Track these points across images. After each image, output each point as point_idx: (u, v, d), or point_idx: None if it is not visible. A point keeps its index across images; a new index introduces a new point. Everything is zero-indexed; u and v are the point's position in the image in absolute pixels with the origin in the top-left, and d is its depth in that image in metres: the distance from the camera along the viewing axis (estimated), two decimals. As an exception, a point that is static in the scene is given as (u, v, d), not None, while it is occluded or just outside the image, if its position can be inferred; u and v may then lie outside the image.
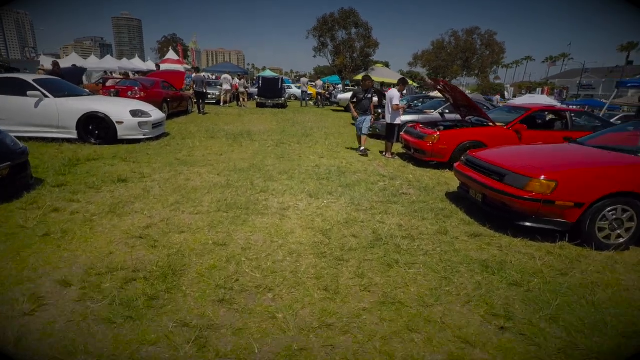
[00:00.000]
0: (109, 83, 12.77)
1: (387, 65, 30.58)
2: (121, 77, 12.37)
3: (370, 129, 10.98)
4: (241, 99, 19.37)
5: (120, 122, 7.49)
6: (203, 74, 27.33)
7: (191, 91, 14.94)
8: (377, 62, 27.48)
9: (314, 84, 24.79)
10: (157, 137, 8.37)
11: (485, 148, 6.84)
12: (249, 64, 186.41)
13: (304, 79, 22.34)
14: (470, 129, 7.19)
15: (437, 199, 5.06)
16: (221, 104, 18.54)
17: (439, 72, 36.40)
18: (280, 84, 19.60)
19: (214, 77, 26.33)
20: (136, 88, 10.91)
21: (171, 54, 37.54)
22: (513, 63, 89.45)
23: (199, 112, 14.47)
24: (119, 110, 7.59)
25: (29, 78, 7.44)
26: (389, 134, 8.05)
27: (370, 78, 8.37)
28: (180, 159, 6.48)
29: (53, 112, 7.27)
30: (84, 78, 17.55)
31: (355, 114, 8.08)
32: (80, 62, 30.37)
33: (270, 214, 4.05)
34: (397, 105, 7.76)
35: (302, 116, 16.12)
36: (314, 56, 27.12)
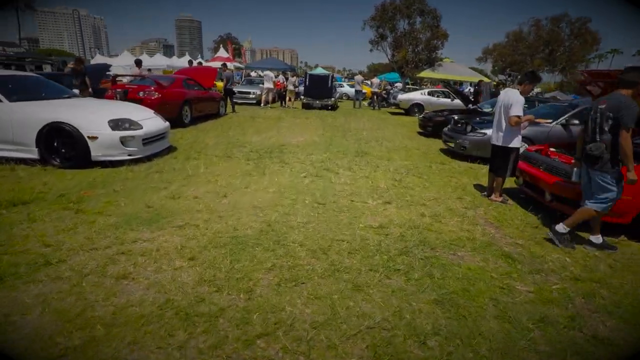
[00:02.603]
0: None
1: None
2: (134, 75, 10.34)
3: (452, 145, 7.85)
4: (287, 99, 16.96)
5: (93, 137, 5.18)
6: (253, 71, 25.55)
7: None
8: (443, 58, 23.56)
9: (369, 82, 21.73)
10: (153, 156, 5.99)
11: None
12: (301, 62, 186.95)
13: (358, 77, 19.30)
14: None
15: None
16: (262, 104, 16.23)
17: (514, 67, 31.34)
18: (329, 82, 16.83)
19: (254, 73, 24.24)
20: (151, 88, 8.75)
21: (221, 52, 36.79)
22: (595, 57, 78.59)
23: (232, 111, 13.41)
24: (92, 119, 5.28)
25: (-18, 75, 5.38)
26: (499, 162, 4.89)
27: None
28: (154, 207, 3.92)
29: (5, 121, 5.14)
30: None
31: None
32: (131, 60, 30.28)
33: None
34: (517, 116, 4.58)
35: (355, 121, 13.21)
36: (371, 50, 23.92)
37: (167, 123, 6.53)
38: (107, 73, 14.40)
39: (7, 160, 5.25)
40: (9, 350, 1.89)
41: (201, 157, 6.27)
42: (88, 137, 5.15)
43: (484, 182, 5.84)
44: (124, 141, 5.39)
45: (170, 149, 6.69)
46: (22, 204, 3.86)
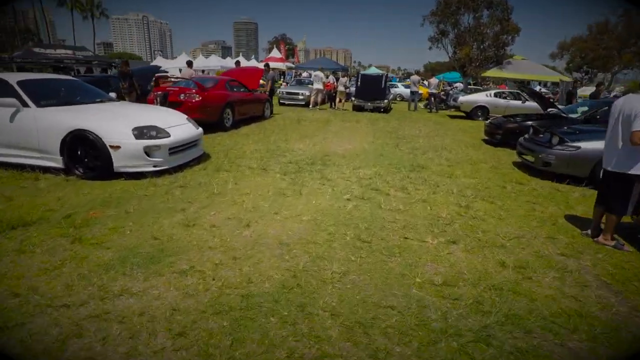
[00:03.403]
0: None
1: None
2: (175, 77, 10.07)
3: (531, 160, 6.45)
4: (337, 100, 16.10)
5: (115, 147, 4.70)
6: (305, 71, 25.18)
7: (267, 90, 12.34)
8: (513, 55, 21.01)
9: (426, 82, 20.20)
10: (182, 166, 5.44)
11: None
12: (355, 62, 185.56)
13: (414, 77, 17.85)
14: None
15: None
16: (310, 105, 15.55)
17: (597, 63, 27.53)
18: (383, 82, 15.66)
19: (306, 74, 23.59)
20: (192, 90, 8.36)
21: (275, 52, 37.04)
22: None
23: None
24: (115, 127, 4.80)
25: (14, 78, 5.15)
26: (613, 194, 3.60)
27: None
28: (161, 239, 3.24)
29: (30, 128, 4.83)
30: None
31: None
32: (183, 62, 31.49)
33: None
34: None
35: (410, 126, 11.98)
36: (430, 48, 22.15)
37: (200, 130, 5.96)
38: (164, 74, 14.65)
39: (34, 168, 4.98)
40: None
41: (233, 168, 5.60)
42: (110, 146, 4.68)
43: (581, 212, 4.54)
44: (148, 151, 4.87)
45: (203, 158, 6.13)
46: (23, 225, 3.40)
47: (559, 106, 9.29)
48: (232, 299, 2.41)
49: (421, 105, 19.34)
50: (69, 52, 18.52)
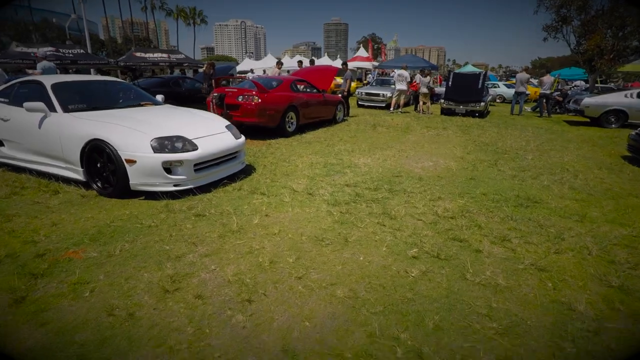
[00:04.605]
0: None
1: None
2: (236, 77, 9.40)
3: None
4: (421, 103, 14.15)
5: (131, 161, 3.91)
6: (393, 70, 23.45)
7: (345, 92, 11.11)
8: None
9: (535, 82, 16.86)
10: (214, 184, 4.49)
11: None
12: (449, 60, 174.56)
13: (521, 74, 14.71)
14: None
15: None
16: (391, 108, 13.91)
17: None
18: (480, 82, 13.23)
19: (393, 73, 21.69)
20: (252, 92, 7.52)
21: (361, 52, 35.87)
22: None
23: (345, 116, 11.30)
24: (133, 137, 4.00)
25: (50, 81, 4.75)
26: None
27: None
28: (118, 316, 2.19)
29: (55, 134, 4.35)
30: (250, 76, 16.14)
31: None
32: (273, 62, 32.08)
33: None
34: None
35: (515, 135, 9.56)
36: (544, 39, 18.35)
37: (241, 140, 4.96)
38: (242, 75, 14.50)
39: (58, 179, 4.51)
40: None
41: (272, 191, 4.45)
42: (125, 160, 3.91)
43: None
44: (168, 167, 3.99)
45: (244, 173, 5.12)
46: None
47: None
48: None
49: (528, 108, 16.17)
50: (164, 55, 19.82)
